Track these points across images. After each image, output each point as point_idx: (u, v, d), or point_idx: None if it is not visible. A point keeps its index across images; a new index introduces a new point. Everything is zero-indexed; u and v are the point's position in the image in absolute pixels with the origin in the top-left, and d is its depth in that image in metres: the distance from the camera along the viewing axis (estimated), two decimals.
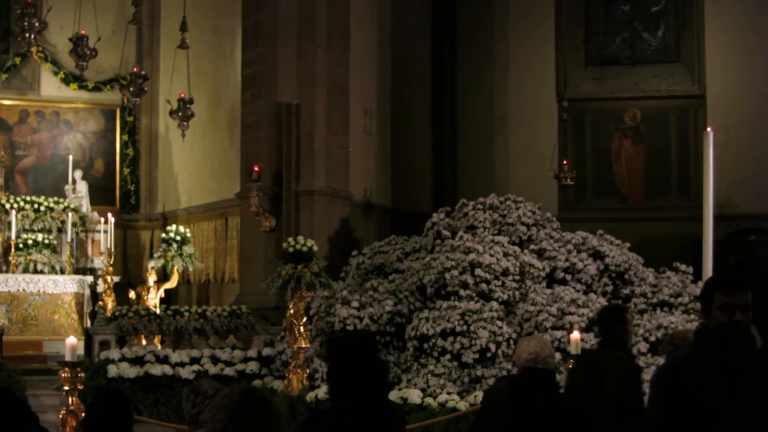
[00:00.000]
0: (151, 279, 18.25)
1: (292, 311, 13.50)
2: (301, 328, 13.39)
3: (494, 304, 13.28)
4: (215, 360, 15.00)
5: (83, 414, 6.27)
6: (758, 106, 20.15)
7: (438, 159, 22.70)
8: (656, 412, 4.85)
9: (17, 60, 21.69)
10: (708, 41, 20.79)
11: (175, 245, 18.31)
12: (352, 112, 18.28)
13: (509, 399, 6.23)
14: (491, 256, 13.60)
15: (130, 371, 14.37)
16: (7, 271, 18.88)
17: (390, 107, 20.42)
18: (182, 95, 18.59)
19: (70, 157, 21.24)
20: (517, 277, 13.70)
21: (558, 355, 11.97)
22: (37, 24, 15.92)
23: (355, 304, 13.75)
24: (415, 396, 12.34)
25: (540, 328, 13.04)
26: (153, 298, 17.99)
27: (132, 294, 18.30)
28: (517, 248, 14.17)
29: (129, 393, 12.88)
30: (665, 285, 14.25)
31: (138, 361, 14.65)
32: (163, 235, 18.90)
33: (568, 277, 14.20)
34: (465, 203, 15.40)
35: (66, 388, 9.09)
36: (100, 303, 18.03)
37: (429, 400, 12.31)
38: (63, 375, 9.12)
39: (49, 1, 19.49)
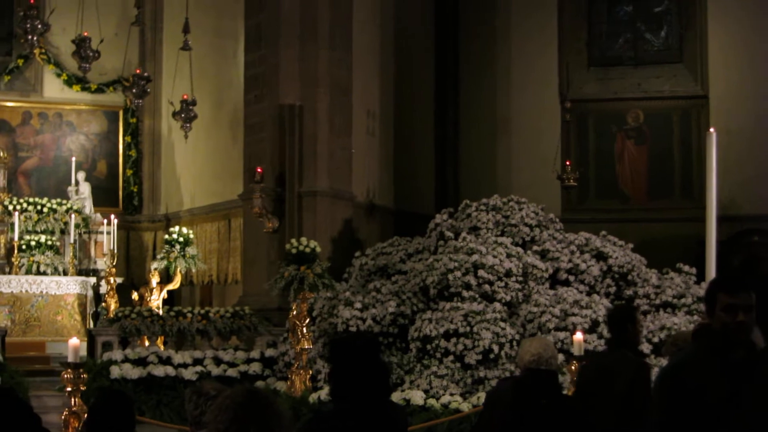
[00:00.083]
0: (154, 280, 18.25)
1: (295, 312, 13.50)
2: (304, 330, 13.38)
3: (497, 306, 13.27)
4: (218, 361, 14.99)
5: (86, 415, 6.26)
6: (761, 106, 20.13)
7: (441, 160, 22.70)
8: (660, 413, 4.85)
9: (20, 62, 21.71)
10: (711, 42, 20.79)
11: (178, 246, 18.31)
12: (355, 113, 18.27)
13: (512, 400, 6.22)
14: (494, 257, 13.59)
15: (133, 372, 14.37)
16: (10, 273, 18.88)
17: (393, 108, 20.41)
18: (185, 97, 18.64)
19: (73, 159, 21.25)
20: (520, 278, 13.69)
21: (561, 357, 11.97)
22: (39, 26, 15.96)
23: (358, 305, 13.74)
24: (417, 397, 12.34)
25: (543, 329, 13.03)
26: (156, 300, 17.99)
27: (135, 295, 18.30)
28: (520, 249, 14.16)
29: (132, 394, 12.89)
30: (668, 286, 14.24)
31: (141, 362, 14.65)
32: (166, 236, 18.89)
33: (571, 278, 14.19)
34: (468, 204, 15.39)
35: (68, 389, 9.08)
36: (103, 304, 18.03)
37: (432, 401, 12.30)
38: (66, 376, 9.11)
39: (52, 3, 19.53)
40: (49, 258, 19.24)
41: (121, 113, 22.57)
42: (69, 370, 9.05)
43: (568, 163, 19.64)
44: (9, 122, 21.83)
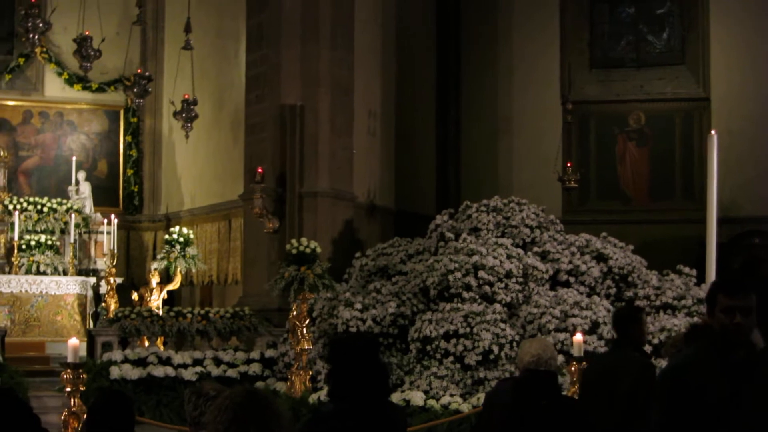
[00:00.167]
0: (154, 280, 18.24)
1: (295, 313, 13.49)
2: (304, 330, 13.37)
3: (497, 307, 13.27)
4: (218, 362, 14.98)
5: (85, 415, 6.25)
6: (762, 108, 20.12)
7: (442, 161, 22.69)
8: (661, 414, 4.85)
9: (21, 61, 21.70)
10: (713, 44, 20.78)
11: (178, 247, 18.30)
12: (356, 113, 18.26)
13: (511, 401, 6.21)
14: (495, 258, 13.58)
15: (133, 373, 14.36)
16: (9, 272, 18.87)
17: (394, 109, 20.41)
18: (186, 96, 18.63)
19: (74, 158, 21.24)
20: (521, 280, 13.68)
21: (561, 358, 11.97)
22: (41, 25, 15.95)
23: (358, 306, 13.73)
24: (417, 398, 12.33)
25: (543, 330, 13.03)
26: (156, 300, 17.98)
27: (135, 295, 18.29)
28: (520, 250, 14.16)
29: (131, 394, 12.87)
30: (669, 287, 14.23)
31: (140, 362, 14.64)
32: (167, 236, 18.89)
33: (572, 279, 14.18)
34: (469, 205, 15.39)
35: (68, 389, 9.06)
36: (103, 304, 18.02)
37: (432, 402, 12.29)
38: (65, 376, 9.09)
39: (54, 2, 19.54)
40: (49, 258, 19.23)
41: (122, 113, 22.57)
42: (68, 371, 9.03)
43: (569, 164, 19.63)
44: (10, 121, 21.83)
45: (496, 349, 12.71)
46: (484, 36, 22.70)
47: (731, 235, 18.48)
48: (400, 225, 19.38)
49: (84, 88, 22.04)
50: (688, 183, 20.72)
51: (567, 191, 19.87)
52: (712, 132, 10.54)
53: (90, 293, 18.80)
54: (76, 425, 8.88)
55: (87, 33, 16.52)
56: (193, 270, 18.95)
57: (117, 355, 14.79)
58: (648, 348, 12.72)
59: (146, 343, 15.70)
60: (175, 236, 18.42)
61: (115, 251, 18.67)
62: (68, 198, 20.53)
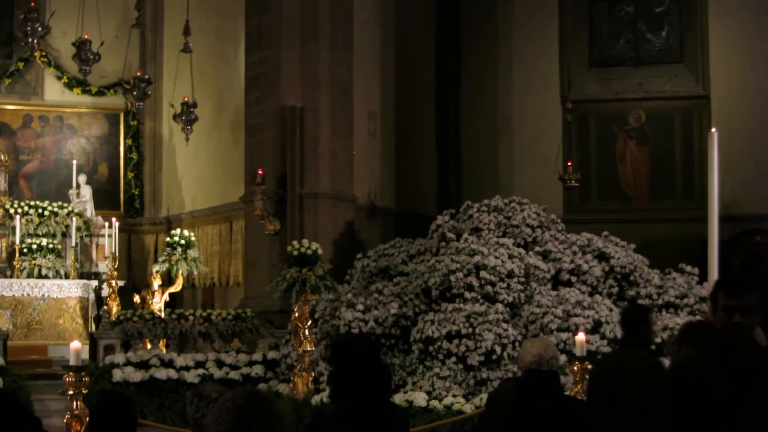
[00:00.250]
0: (156, 283, 18.21)
1: (297, 314, 13.47)
2: (306, 332, 13.36)
3: (499, 307, 13.26)
4: (220, 364, 14.97)
5: (88, 418, 6.25)
6: (762, 106, 20.12)
7: (442, 161, 22.68)
8: (664, 413, 4.84)
9: (20, 65, 21.68)
10: (712, 42, 20.78)
11: (179, 249, 18.28)
12: (356, 114, 18.25)
13: (513, 401, 6.21)
14: (496, 258, 13.57)
15: (135, 375, 14.34)
16: (11, 276, 18.85)
17: (394, 109, 20.39)
18: (186, 99, 18.62)
19: (74, 162, 21.23)
20: (522, 279, 13.67)
21: (563, 357, 11.96)
22: (40, 29, 15.97)
23: (360, 307, 13.72)
24: (420, 399, 12.31)
25: (545, 330, 13.02)
26: (158, 302, 17.96)
27: (137, 298, 18.27)
28: (522, 250, 14.15)
29: (134, 397, 12.88)
30: (671, 286, 14.22)
31: (143, 365, 14.63)
32: (168, 239, 18.87)
33: (574, 278, 14.17)
34: (470, 205, 15.38)
35: (70, 392, 9.08)
36: (105, 307, 18.00)
37: (434, 402, 12.28)
38: (67, 379, 9.11)
39: (52, 5, 19.49)
40: (50, 261, 19.23)
41: (122, 116, 22.56)
42: (71, 374, 9.05)
43: (569, 163, 19.63)
44: (10, 125, 21.81)
45: (498, 349, 12.70)
46: (483, 36, 22.70)
47: (732, 233, 18.47)
48: (401, 226, 19.36)
49: (83, 92, 22.04)
50: (688, 181, 20.73)
51: (568, 190, 19.87)
52: (713, 130, 10.56)
53: (92, 296, 18.78)
54: (79, 428, 8.90)
55: (86, 36, 16.52)
56: (195, 272, 18.94)
57: (119, 357, 14.78)
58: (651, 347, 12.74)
59: (148, 346, 15.69)
60: (176, 239, 18.40)
61: (117, 254, 18.66)
62: (69, 201, 20.52)
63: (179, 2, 20.02)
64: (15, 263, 18.95)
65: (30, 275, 18.94)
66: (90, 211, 20.59)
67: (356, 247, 17.10)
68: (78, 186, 20.81)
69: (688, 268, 14.66)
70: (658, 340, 12.82)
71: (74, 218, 19.67)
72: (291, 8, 17.49)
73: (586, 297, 13.65)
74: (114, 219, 19.21)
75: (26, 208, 19.81)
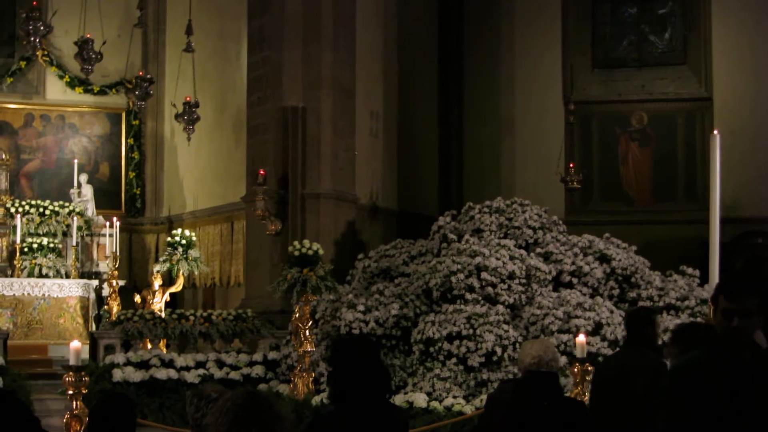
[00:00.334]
0: (157, 283, 18.21)
1: (297, 315, 13.47)
2: (307, 332, 13.36)
3: (500, 308, 13.25)
4: (221, 364, 14.96)
5: (87, 418, 6.24)
6: (765, 108, 20.10)
7: (444, 162, 22.66)
8: (665, 414, 4.84)
9: (22, 64, 21.68)
10: (715, 43, 20.76)
11: (180, 249, 18.29)
12: (358, 114, 18.24)
13: (512, 402, 6.20)
14: (497, 259, 13.57)
15: (135, 375, 14.34)
16: (12, 275, 18.85)
17: (396, 110, 20.39)
18: (188, 99, 18.62)
19: (76, 161, 21.23)
20: (524, 281, 13.66)
21: (564, 359, 11.95)
22: (42, 28, 15.98)
23: (361, 307, 13.72)
24: (420, 400, 12.31)
25: (546, 331, 13.01)
26: (158, 302, 17.96)
27: (137, 298, 18.27)
28: (523, 252, 14.14)
29: (134, 397, 12.86)
30: (672, 288, 14.21)
31: (143, 365, 14.62)
32: (169, 238, 18.87)
33: (575, 280, 14.16)
34: (471, 206, 15.37)
35: (70, 392, 9.07)
36: (105, 307, 17.99)
37: (435, 403, 12.27)
38: (67, 379, 9.10)
39: (55, 5, 19.51)
40: (51, 261, 19.23)
41: (123, 115, 22.56)
42: (71, 373, 9.04)
43: (571, 165, 19.61)
44: (11, 124, 21.81)
45: (499, 350, 12.69)
46: (486, 36, 22.68)
47: (734, 235, 18.44)
48: (403, 226, 19.35)
49: (85, 91, 22.04)
50: (690, 183, 20.71)
51: (570, 192, 19.85)
52: (715, 132, 10.52)
53: (92, 296, 18.78)
54: (79, 428, 8.89)
55: (88, 36, 16.52)
56: (196, 272, 18.94)
57: (119, 357, 14.78)
58: None
59: (149, 346, 15.69)
60: (177, 239, 18.40)
61: (118, 254, 18.65)
62: (70, 201, 20.53)
63: (182, 2, 20.03)
64: (16, 262, 18.96)
65: (30, 274, 18.95)
66: (91, 210, 20.59)
67: (357, 247, 17.09)
68: (79, 185, 20.81)
69: (689, 270, 14.66)
70: (659, 341, 12.82)
71: (75, 218, 19.67)
72: (293, 9, 17.49)
73: (587, 299, 13.64)
74: (115, 218, 19.19)
75: (27, 207, 19.82)
